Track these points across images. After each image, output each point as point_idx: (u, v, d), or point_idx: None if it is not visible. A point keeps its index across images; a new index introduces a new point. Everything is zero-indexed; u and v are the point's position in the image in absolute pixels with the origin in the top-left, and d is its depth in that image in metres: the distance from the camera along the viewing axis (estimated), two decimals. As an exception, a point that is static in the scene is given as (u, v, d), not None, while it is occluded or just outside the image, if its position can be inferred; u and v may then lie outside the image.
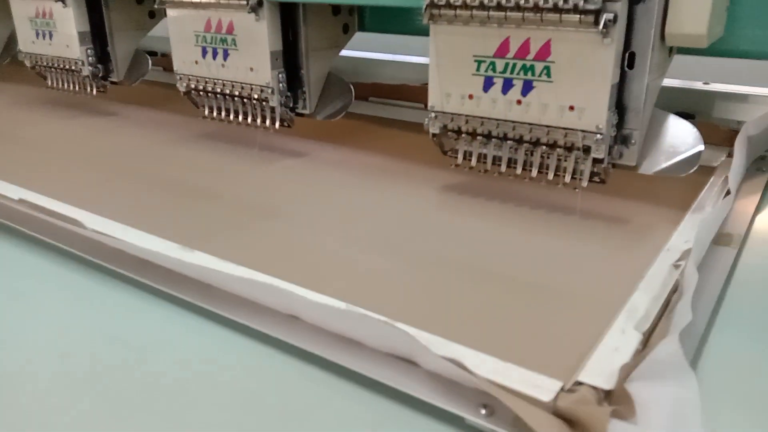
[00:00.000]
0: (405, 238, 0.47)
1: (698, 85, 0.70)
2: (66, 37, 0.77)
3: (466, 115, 0.50)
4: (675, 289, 0.36)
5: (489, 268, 0.42)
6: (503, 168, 0.50)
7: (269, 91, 0.62)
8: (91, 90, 0.80)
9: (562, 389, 0.28)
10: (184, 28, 0.65)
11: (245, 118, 0.66)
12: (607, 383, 0.28)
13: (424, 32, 0.49)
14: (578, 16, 0.42)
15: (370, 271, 0.42)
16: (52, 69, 0.82)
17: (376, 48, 0.87)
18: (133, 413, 0.30)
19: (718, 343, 0.34)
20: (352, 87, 0.66)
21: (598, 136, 0.45)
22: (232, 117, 0.67)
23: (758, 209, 0.50)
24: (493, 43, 0.47)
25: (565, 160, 0.48)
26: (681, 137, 0.47)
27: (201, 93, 0.67)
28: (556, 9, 0.42)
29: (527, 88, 0.46)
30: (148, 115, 0.83)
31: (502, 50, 0.47)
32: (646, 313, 0.34)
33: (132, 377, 0.33)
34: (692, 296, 0.33)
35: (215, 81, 0.65)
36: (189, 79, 0.67)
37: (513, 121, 0.48)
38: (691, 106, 0.67)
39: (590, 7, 0.41)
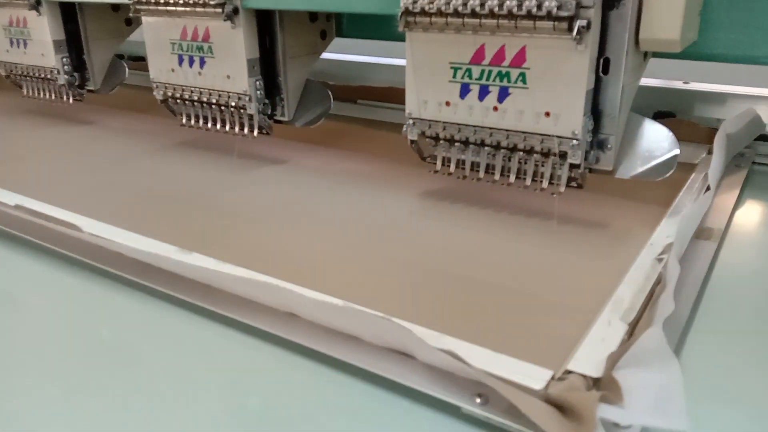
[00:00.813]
0: (384, 245, 0.47)
1: (678, 84, 0.71)
2: (41, 46, 0.76)
3: (444, 122, 0.50)
4: (658, 282, 0.37)
5: (468, 273, 0.42)
6: (482, 174, 0.50)
7: (246, 98, 0.61)
8: (68, 98, 0.79)
9: (552, 378, 0.29)
10: (159, 35, 0.64)
11: (223, 125, 0.65)
12: (595, 371, 0.29)
13: (402, 38, 0.49)
14: (552, 22, 0.42)
15: (349, 278, 0.42)
16: (28, 78, 0.81)
17: (369, 51, 0.87)
18: (134, 414, 0.30)
19: (700, 332, 0.35)
20: (330, 93, 0.65)
21: (574, 141, 0.45)
22: (210, 125, 0.66)
23: (737, 204, 0.52)
24: (468, 50, 0.47)
25: (543, 166, 0.48)
26: (657, 141, 0.48)
27: (178, 101, 0.66)
28: (529, 16, 0.42)
29: (503, 94, 0.46)
30: (127, 123, 0.82)
31: (478, 57, 0.46)
32: (631, 305, 0.35)
33: (132, 378, 0.33)
34: (675, 288, 0.34)
35: (192, 89, 0.64)
36: (166, 88, 0.66)
37: (490, 128, 0.48)
38: (671, 105, 0.68)
39: (563, 13, 0.41)
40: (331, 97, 0.65)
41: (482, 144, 0.49)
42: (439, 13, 0.45)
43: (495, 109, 0.47)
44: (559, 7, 0.41)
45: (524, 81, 0.45)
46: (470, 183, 0.51)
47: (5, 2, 0.76)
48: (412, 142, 0.52)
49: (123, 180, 0.62)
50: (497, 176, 0.50)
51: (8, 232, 0.48)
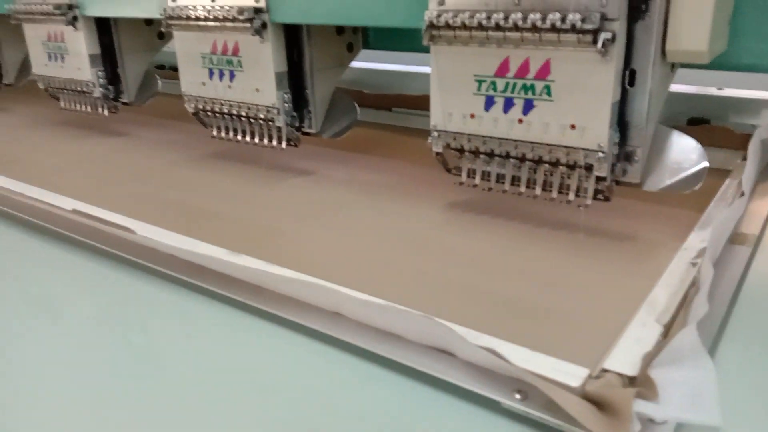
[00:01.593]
0: (409, 257, 0.47)
1: (712, 91, 0.70)
2: (77, 60, 0.79)
3: (469, 134, 0.50)
4: (692, 285, 0.37)
5: (495, 285, 0.42)
6: (507, 186, 0.50)
7: (275, 111, 0.62)
8: (103, 110, 0.81)
9: (589, 376, 0.29)
10: (190, 50, 0.66)
11: (252, 137, 0.67)
12: (630, 370, 0.30)
13: (428, 49, 0.50)
14: (576, 35, 0.42)
15: (373, 291, 0.42)
16: (65, 91, 0.84)
17: (403, 60, 0.89)
18: (192, 406, 0.32)
19: (735, 333, 0.36)
20: (356, 105, 0.66)
21: (600, 154, 0.44)
22: (239, 137, 0.67)
23: (772, 209, 0.51)
24: (493, 62, 0.47)
25: (569, 178, 0.48)
26: (685, 153, 0.47)
27: (209, 113, 0.68)
28: (554, 29, 0.42)
29: (528, 107, 0.46)
30: (159, 135, 0.84)
31: (503, 70, 0.47)
32: (666, 306, 0.35)
33: (188, 375, 0.35)
34: (709, 290, 0.34)
35: (222, 102, 0.66)
36: (197, 100, 0.68)
37: (515, 140, 0.48)
38: (705, 112, 0.67)
39: (588, 26, 0.41)
40: (358, 108, 0.66)
41: (507, 156, 0.49)
42: (464, 26, 0.46)
43: (520, 121, 0.47)
44: (583, 20, 0.41)
45: (549, 93, 0.45)
46: (495, 195, 0.51)
47: (44, 18, 0.79)
48: (438, 153, 0.52)
49: (154, 190, 0.64)
50: (523, 188, 0.50)
51: (65, 235, 0.51)
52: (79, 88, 0.81)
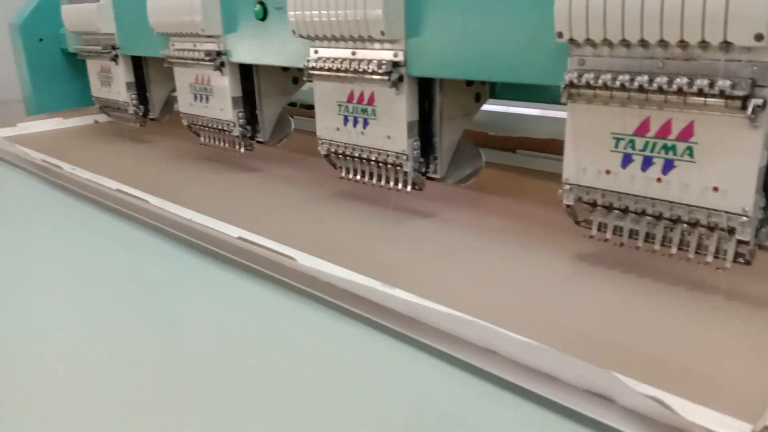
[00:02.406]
0: (533, 308, 0.48)
1: None
2: (221, 101, 0.86)
3: (603, 189, 0.50)
4: None
5: (625, 343, 0.42)
6: (640, 243, 0.50)
7: (404, 157, 0.66)
8: (239, 148, 0.88)
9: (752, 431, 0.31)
10: (328, 97, 0.70)
11: (379, 180, 0.70)
12: None
13: (554, 101, 0.51)
14: (724, 101, 0.42)
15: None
16: (206, 128, 0.91)
17: (528, 102, 0.91)
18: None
19: None
20: (482, 153, 0.68)
21: (744, 218, 0.44)
22: (366, 179, 0.71)
23: None
24: (633, 121, 0.47)
25: (707, 239, 0.47)
26: (837, 219, 0.45)
27: (340, 156, 0.72)
28: (701, 93, 0.43)
29: (668, 166, 0.47)
30: (290, 172, 0.89)
31: (643, 129, 0.47)
32: None
33: (343, 395, 0.39)
34: None
35: (354, 147, 0.70)
36: (330, 144, 0.72)
37: (653, 198, 0.48)
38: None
39: (738, 93, 0.41)
40: (483, 157, 0.68)
41: (643, 213, 0.49)
42: (605, 87, 0.47)
43: (659, 180, 0.47)
44: (732, 86, 0.41)
45: (691, 155, 0.45)
46: (627, 250, 0.51)
47: (194, 63, 0.87)
48: (568, 206, 0.53)
49: (283, 226, 0.68)
50: (657, 246, 0.50)
51: (231, 258, 0.59)
52: (220, 127, 0.88)
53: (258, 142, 0.88)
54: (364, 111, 0.67)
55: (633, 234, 0.51)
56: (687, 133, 0.45)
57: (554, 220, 0.62)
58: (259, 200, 0.78)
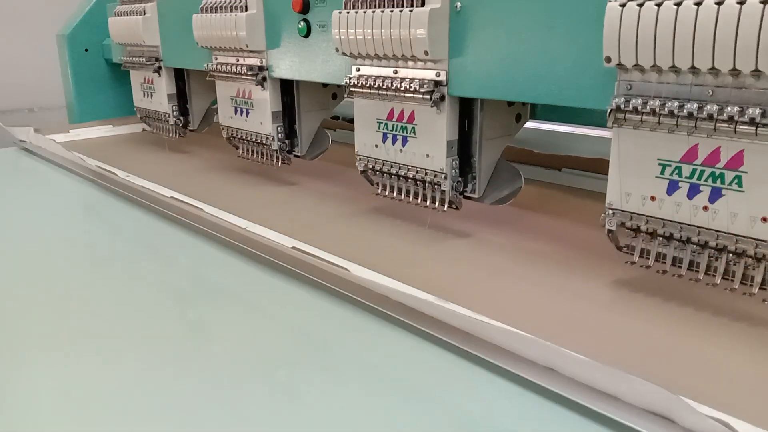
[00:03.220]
0: (572, 334, 0.48)
1: None
2: (261, 116, 0.87)
3: (647, 216, 0.50)
4: None
5: (665, 374, 0.42)
6: (684, 270, 0.50)
7: (442, 176, 0.66)
8: (277, 162, 0.89)
9: None
10: (368, 115, 0.71)
11: (415, 197, 0.70)
12: None
13: (597, 124, 0.51)
14: (777, 130, 0.41)
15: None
16: (245, 141, 0.93)
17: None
18: None
19: None
20: (521, 174, 0.68)
21: (795, 250, 0.43)
22: (402, 196, 0.71)
23: None
24: (680, 148, 0.47)
25: (754, 269, 0.46)
26: None
27: (377, 172, 0.73)
28: (752, 122, 0.42)
29: (715, 195, 0.46)
30: (325, 186, 0.90)
31: (690, 156, 0.47)
32: None
33: (393, 407, 0.40)
34: None
35: (392, 164, 0.70)
36: (368, 161, 0.73)
37: (698, 227, 0.47)
38: None
39: (792, 123, 0.40)
40: (522, 178, 0.68)
41: (688, 241, 0.48)
42: (652, 113, 0.46)
43: (705, 208, 0.47)
44: (786, 116, 0.41)
45: (740, 184, 0.45)
46: (668, 278, 0.51)
47: (236, 77, 0.88)
48: (610, 231, 0.53)
49: (312, 241, 0.68)
50: (701, 275, 0.49)
51: (285, 268, 0.61)
52: (258, 140, 0.89)
53: (295, 156, 0.89)
54: (403, 129, 0.68)
55: (676, 261, 0.50)
56: (736, 162, 0.45)
57: (595, 242, 0.61)
58: (292, 214, 0.79)
